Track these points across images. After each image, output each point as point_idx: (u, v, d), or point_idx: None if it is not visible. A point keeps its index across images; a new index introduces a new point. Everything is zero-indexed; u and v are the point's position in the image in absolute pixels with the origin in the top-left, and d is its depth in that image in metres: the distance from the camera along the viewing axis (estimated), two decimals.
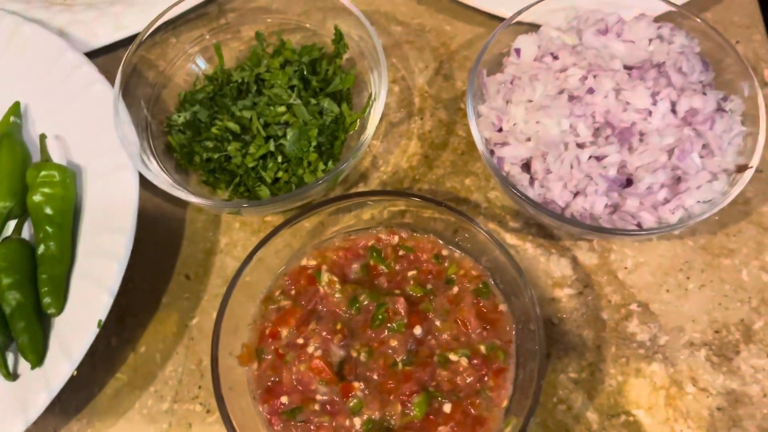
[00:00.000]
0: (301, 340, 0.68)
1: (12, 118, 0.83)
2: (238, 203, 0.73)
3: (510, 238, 0.81)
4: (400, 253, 0.73)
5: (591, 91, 0.72)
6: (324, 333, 0.67)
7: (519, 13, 0.79)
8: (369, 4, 0.98)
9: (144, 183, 0.86)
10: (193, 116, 0.83)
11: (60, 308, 0.73)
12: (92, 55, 0.93)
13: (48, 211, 0.76)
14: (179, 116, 0.83)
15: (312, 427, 0.65)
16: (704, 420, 0.71)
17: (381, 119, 0.86)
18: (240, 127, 0.81)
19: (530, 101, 0.75)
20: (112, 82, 0.83)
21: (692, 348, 0.74)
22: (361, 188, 0.85)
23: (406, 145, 0.87)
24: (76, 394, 0.76)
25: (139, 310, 0.80)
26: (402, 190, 0.83)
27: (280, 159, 0.80)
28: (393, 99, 0.90)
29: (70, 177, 0.79)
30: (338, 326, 0.68)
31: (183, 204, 0.85)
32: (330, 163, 0.81)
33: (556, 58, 0.78)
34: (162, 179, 0.76)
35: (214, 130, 0.81)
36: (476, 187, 0.84)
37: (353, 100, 0.87)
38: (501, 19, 0.90)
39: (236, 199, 0.81)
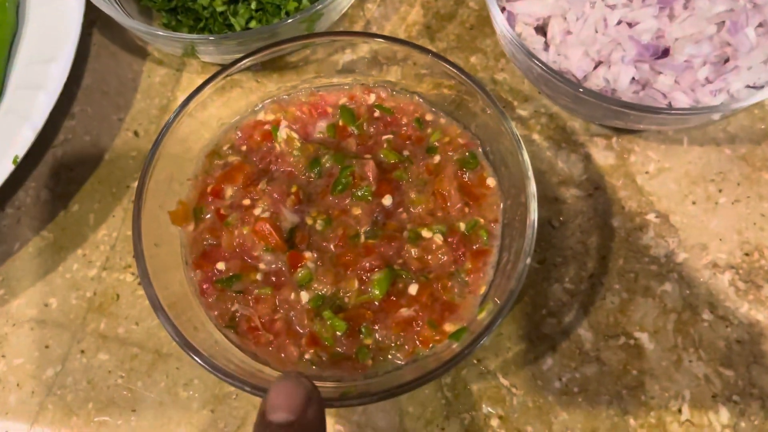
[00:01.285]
0: (247, 201, 0.57)
1: None
2: (194, 37, 0.62)
3: (516, 127, 0.68)
4: (376, 114, 0.61)
5: None
6: (275, 194, 0.56)
7: None
8: None
9: (101, 26, 0.75)
10: None
11: None
12: None
13: None
14: None
15: (251, 299, 0.54)
16: (719, 351, 0.59)
17: None
18: None
19: None
20: None
21: (715, 270, 0.62)
22: (347, 54, 0.72)
23: (407, 12, 0.75)
24: None
25: (76, 164, 0.69)
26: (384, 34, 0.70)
27: (254, 5, 0.68)
28: None
29: (10, 1, 0.67)
30: (293, 189, 0.57)
31: (141, 54, 0.74)
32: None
33: None
34: (114, 9, 0.65)
35: None
36: (483, 67, 0.71)
37: None
38: None
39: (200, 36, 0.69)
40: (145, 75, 0.73)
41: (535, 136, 0.68)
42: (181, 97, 0.72)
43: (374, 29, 0.74)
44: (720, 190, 0.65)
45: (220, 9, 0.68)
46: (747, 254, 0.62)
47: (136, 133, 0.70)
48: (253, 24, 0.69)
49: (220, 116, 0.63)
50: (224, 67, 0.58)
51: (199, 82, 0.71)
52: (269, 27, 0.62)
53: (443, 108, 0.62)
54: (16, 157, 0.59)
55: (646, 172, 0.66)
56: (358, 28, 0.74)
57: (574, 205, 0.65)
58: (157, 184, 0.56)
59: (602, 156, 0.67)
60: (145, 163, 0.55)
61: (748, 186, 0.65)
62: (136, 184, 0.67)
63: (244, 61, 0.59)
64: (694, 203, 0.64)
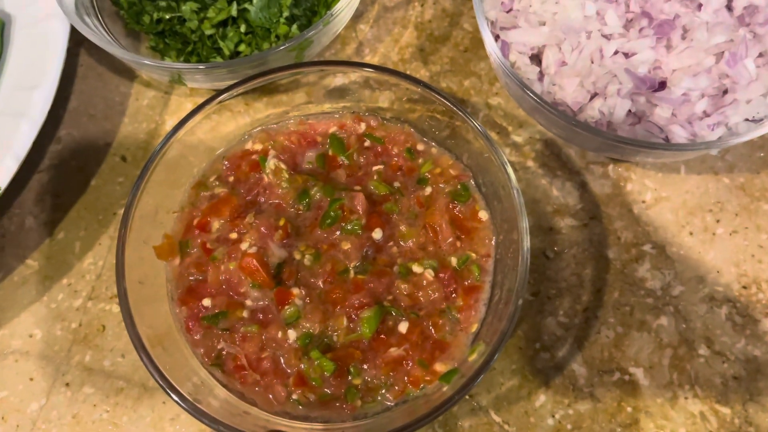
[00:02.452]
0: (234, 235, 0.56)
1: None
2: (182, 65, 0.60)
3: (510, 153, 0.67)
4: (366, 143, 0.60)
5: None
6: (263, 228, 0.55)
7: None
8: None
9: (88, 48, 0.74)
10: None
11: None
12: None
13: None
14: None
15: (237, 337, 0.53)
16: (715, 389, 0.58)
17: (374, 1, 0.73)
18: None
19: None
20: None
21: (712, 303, 0.61)
22: (339, 77, 0.71)
23: (400, 33, 0.73)
24: None
25: (63, 190, 0.68)
26: (372, 63, 0.68)
27: (243, 28, 0.67)
28: None
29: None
30: (281, 222, 0.55)
31: (129, 76, 0.73)
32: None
33: None
34: (100, 36, 0.63)
35: None
36: (477, 91, 0.70)
37: None
38: None
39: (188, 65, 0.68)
40: (132, 98, 0.72)
41: (530, 163, 0.67)
42: (170, 121, 0.70)
43: (367, 51, 0.72)
44: (717, 221, 0.64)
45: (208, 32, 0.67)
46: (744, 287, 0.61)
47: (123, 158, 0.69)
48: (242, 48, 0.67)
49: (208, 141, 0.62)
50: (214, 96, 0.57)
51: (188, 105, 0.71)
52: (259, 55, 0.60)
53: (435, 137, 0.61)
54: None
55: (643, 202, 0.65)
56: (350, 50, 0.73)
57: (569, 235, 0.64)
58: (143, 218, 0.54)
59: (598, 184, 0.65)
60: (129, 196, 0.54)
61: (747, 216, 0.64)
62: (122, 210, 0.66)
63: (234, 90, 0.57)
64: (691, 234, 0.63)
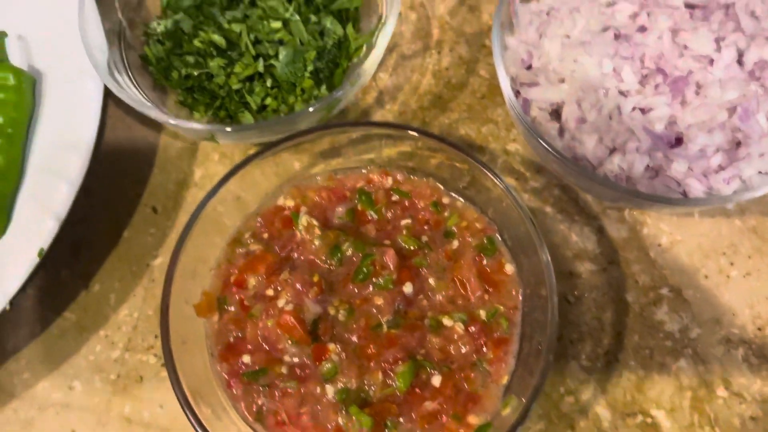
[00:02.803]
0: (270, 292, 0.58)
1: None
2: (212, 127, 0.63)
3: (529, 199, 0.69)
4: (394, 198, 0.62)
5: (643, 29, 0.60)
6: (298, 285, 0.57)
7: None
8: None
9: (116, 100, 0.76)
10: (176, 25, 0.72)
11: (2, 230, 0.63)
12: None
13: None
14: (159, 24, 0.72)
15: (277, 393, 0.55)
16: (734, 429, 0.60)
17: (392, 50, 0.75)
18: (226, 42, 0.69)
19: (568, 36, 0.63)
20: None
21: (729, 345, 0.63)
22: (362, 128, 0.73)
23: (418, 81, 0.75)
24: (16, 331, 0.67)
25: (96, 242, 0.70)
26: (402, 123, 0.71)
27: (269, 83, 0.69)
28: (408, 28, 0.78)
29: (27, 82, 0.68)
30: (315, 278, 0.58)
31: (157, 127, 0.75)
32: (326, 91, 0.69)
33: None
34: (130, 94, 0.65)
35: (196, 42, 0.69)
36: (494, 137, 0.72)
37: (360, 22, 0.75)
38: None
39: (218, 124, 0.70)
40: (161, 148, 0.74)
41: (548, 209, 0.69)
42: (198, 171, 0.72)
43: (387, 99, 0.75)
44: (731, 263, 0.66)
45: (235, 87, 0.69)
46: (759, 329, 0.63)
47: (154, 209, 0.71)
48: (268, 101, 0.69)
49: (235, 191, 0.64)
50: (249, 158, 0.59)
51: (215, 156, 0.73)
52: (288, 118, 0.62)
53: (458, 189, 0.63)
54: (41, 250, 0.60)
55: (659, 245, 0.67)
56: (370, 99, 0.75)
57: (588, 279, 0.66)
58: (182, 278, 0.56)
59: (615, 229, 0.68)
60: (170, 262, 0.56)
61: (759, 258, 0.66)
62: (156, 261, 0.69)
63: (268, 152, 0.59)
64: (706, 277, 0.66)
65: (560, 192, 0.70)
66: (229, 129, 0.62)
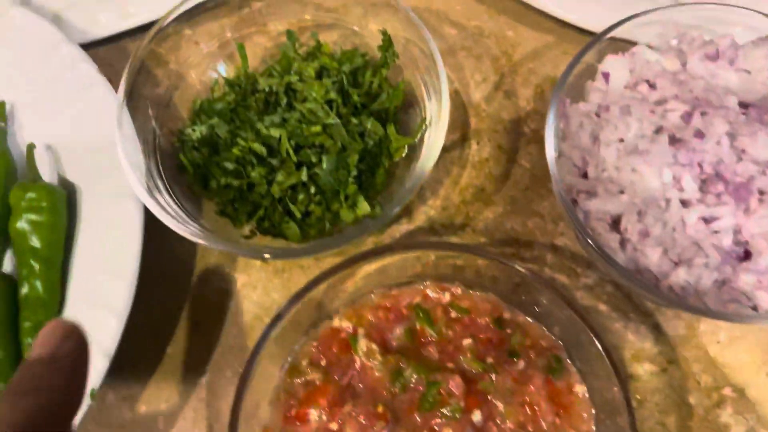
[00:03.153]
0: (334, 426, 0.56)
1: None
2: (259, 249, 0.61)
3: (581, 297, 0.68)
4: (453, 315, 0.61)
5: (700, 135, 0.59)
6: (362, 419, 0.55)
7: (611, 29, 0.65)
8: (417, 0, 0.83)
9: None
10: (211, 131, 0.70)
11: None
12: (92, 45, 0.79)
13: (34, 242, 0.63)
14: (194, 130, 0.70)
15: None
16: None
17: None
18: (266, 149, 0.67)
19: (622, 140, 0.61)
20: (113, 76, 0.70)
21: None
22: (404, 225, 0.72)
23: (459, 174, 0.74)
24: None
25: (139, 359, 0.68)
26: (472, 245, 0.67)
27: (313, 190, 0.67)
28: None
29: (61, 200, 0.66)
30: (380, 408, 0.56)
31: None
32: (373, 202, 0.67)
33: (652, 86, 0.64)
34: (171, 214, 0.63)
35: (235, 150, 0.67)
36: (541, 232, 0.71)
37: (399, 116, 0.73)
38: (573, 27, 0.78)
39: (259, 234, 0.68)
40: (199, 255, 0.72)
41: (602, 307, 0.68)
42: (240, 279, 0.70)
43: (429, 195, 0.73)
44: None
45: (278, 195, 0.67)
46: None
47: (197, 324, 0.69)
48: (312, 207, 0.67)
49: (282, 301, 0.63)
50: (307, 287, 0.57)
51: (256, 261, 0.71)
52: (337, 239, 0.61)
53: (519, 302, 0.61)
54: (93, 390, 0.57)
55: (718, 342, 0.66)
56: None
57: (649, 381, 0.65)
58: (246, 420, 0.54)
59: (672, 326, 0.66)
60: (233, 401, 0.54)
61: None
62: (203, 379, 0.67)
63: (327, 278, 0.58)
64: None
65: (613, 289, 0.68)
66: (268, 256, 0.61)
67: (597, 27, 0.74)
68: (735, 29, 0.67)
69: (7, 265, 0.67)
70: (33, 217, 0.64)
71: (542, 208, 0.72)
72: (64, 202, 0.66)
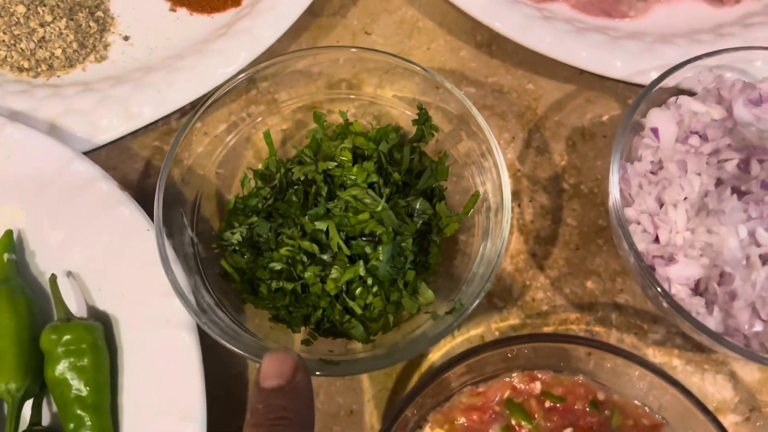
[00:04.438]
0: None
1: (6, 256, 0.62)
2: (333, 371, 0.58)
3: (654, 355, 0.67)
4: (547, 404, 0.58)
5: (766, 185, 0.59)
6: None
7: (657, 82, 0.64)
8: (429, 61, 0.81)
9: None
10: (251, 231, 0.65)
11: None
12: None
13: (79, 389, 0.57)
14: (233, 233, 0.65)
15: None
16: None
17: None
18: (317, 245, 0.63)
19: (686, 198, 0.61)
20: (121, 179, 0.65)
21: None
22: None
23: (508, 240, 0.71)
24: None
25: None
26: (563, 333, 0.67)
27: (370, 281, 0.63)
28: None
29: (101, 337, 0.60)
30: None
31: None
32: (431, 286, 0.64)
33: (703, 138, 0.64)
34: (229, 333, 0.59)
35: (283, 251, 0.63)
36: (601, 291, 0.69)
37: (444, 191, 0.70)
38: (589, 74, 0.77)
39: (319, 337, 0.64)
40: (250, 369, 0.67)
41: (676, 362, 0.67)
42: None
43: None
44: None
45: (333, 292, 0.62)
46: None
47: None
48: (370, 299, 0.63)
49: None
50: (393, 418, 0.54)
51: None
52: (418, 341, 0.59)
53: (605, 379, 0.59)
54: None
55: None
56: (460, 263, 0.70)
57: None
58: None
59: (746, 371, 0.66)
60: None
61: None
62: None
63: (416, 399, 0.54)
64: None
65: (682, 340, 0.67)
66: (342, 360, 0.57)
67: (616, 74, 0.74)
68: (756, 63, 0.68)
69: (45, 414, 0.60)
70: (73, 360, 0.57)
71: (597, 266, 0.70)
72: (103, 337, 0.60)
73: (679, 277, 0.58)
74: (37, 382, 0.59)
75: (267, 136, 0.70)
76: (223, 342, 0.57)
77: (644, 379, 0.57)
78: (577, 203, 0.73)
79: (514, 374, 0.59)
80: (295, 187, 0.66)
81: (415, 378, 0.66)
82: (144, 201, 0.65)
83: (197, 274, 0.63)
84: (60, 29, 0.73)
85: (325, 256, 0.63)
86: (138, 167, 0.75)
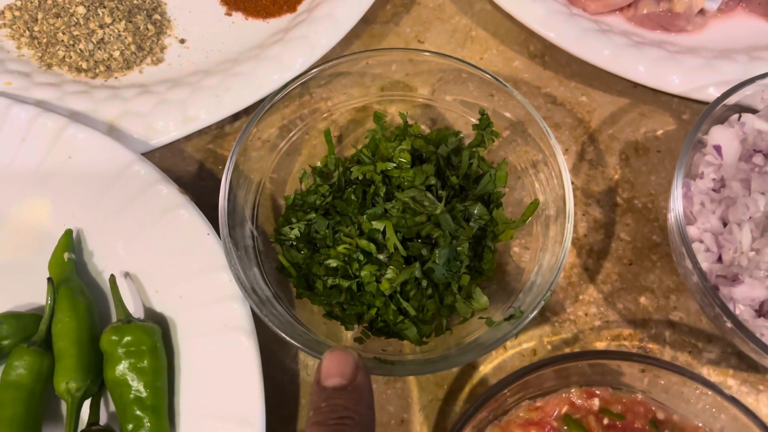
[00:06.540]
0: None
1: (66, 256, 0.63)
2: (389, 370, 0.57)
3: (709, 374, 0.66)
4: (606, 421, 0.58)
5: None
6: None
7: (718, 102, 0.63)
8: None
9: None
10: (309, 228, 0.65)
11: None
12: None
13: (139, 391, 0.57)
14: (291, 228, 0.65)
15: None
16: None
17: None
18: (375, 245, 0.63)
19: (750, 217, 0.60)
20: (177, 181, 0.65)
21: None
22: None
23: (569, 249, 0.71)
24: None
25: None
26: (621, 351, 0.65)
27: (425, 283, 0.63)
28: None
29: (159, 340, 0.60)
30: None
31: (291, 351, 0.68)
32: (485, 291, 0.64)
33: (766, 156, 0.63)
34: (285, 324, 0.59)
35: (340, 248, 0.63)
36: (655, 308, 0.69)
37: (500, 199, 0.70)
38: (643, 88, 0.76)
39: (372, 336, 0.64)
40: (302, 372, 0.67)
41: (731, 381, 0.66)
42: None
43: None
44: None
45: (388, 293, 0.62)
46: None
47: None
48: (427, 303, 0.63)
49: None
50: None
51: None
52: (475, 347, 0.58)
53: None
54: None
55: None
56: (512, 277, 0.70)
57: None
58: None
59: None
60: None
61: None
62: None
63: (478, 415, 0.54)
64: None
65: (737, 360, 0.67)
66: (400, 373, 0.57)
67: (673, 89, 0.73)
68: None
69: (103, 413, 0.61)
70: (134, 363, 0.58)
71: (650, 282, 0.70)
72: (161, 340, 0.60)
73: (744, 298, 0.58)
74: (96, 382, 0.59)
75: (327, 134, 0.71)
76: (282, 334, 0.57)
77: (702, 398, 0.57)
78: (630, 218, 0.72)
79: (572, 390, 0.59)
80: (354, 186, 0.66)
81: (467, 390, 0.66)
82: (198, 203, 0.65)
83: (256, 266, 0.63)
84: (119, 31, 0.74)
85: (381, 256, 0.63)
86: (191, 170, 0.75)
